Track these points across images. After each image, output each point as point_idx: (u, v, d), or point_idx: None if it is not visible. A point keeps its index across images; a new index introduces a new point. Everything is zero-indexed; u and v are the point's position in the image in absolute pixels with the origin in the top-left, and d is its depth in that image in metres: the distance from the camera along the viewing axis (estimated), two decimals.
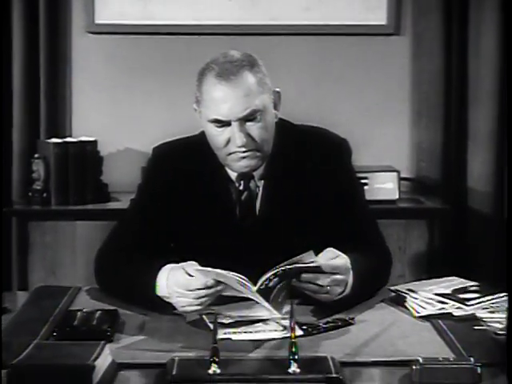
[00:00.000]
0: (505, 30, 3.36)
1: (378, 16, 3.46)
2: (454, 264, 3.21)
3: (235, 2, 3.44)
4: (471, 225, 3.42)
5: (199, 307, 1.72)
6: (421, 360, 1.41)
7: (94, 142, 3.32)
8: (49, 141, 3.28)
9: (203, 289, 1.69)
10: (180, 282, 1.73)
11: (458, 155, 3.46)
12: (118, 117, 3.52)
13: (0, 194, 3.29)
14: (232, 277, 1.65)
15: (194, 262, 1.76)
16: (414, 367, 1.41)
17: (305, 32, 3.48)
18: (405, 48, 3.51)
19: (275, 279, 1.68)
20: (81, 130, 3.45)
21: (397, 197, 3.21)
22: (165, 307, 1.79)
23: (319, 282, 1.73)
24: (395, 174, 3.23)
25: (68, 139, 3.33)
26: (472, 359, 1.43)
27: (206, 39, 3.41)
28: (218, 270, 1.68)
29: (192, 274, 1.72)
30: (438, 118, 3.46)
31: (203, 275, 1.70)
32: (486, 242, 3.37)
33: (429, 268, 3.17)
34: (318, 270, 1.72)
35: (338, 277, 1.76)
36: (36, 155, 3.25)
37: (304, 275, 1.72)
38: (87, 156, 3.28)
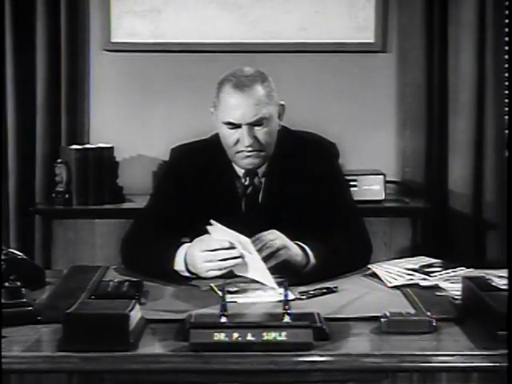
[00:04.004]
0: (480, 48, 3.61)
1: (367, 35, 3.69)
2: (435, 258, 3.50)
3: (239, 23, 3.66)
4: (451, 223, 3.67)
5: (220, 272, 2.02)
6: (388, 314, 1.75)
7: (111, 149, 3.53)
8: (70, 147, 3.49)
9: (222, 249, 2.01)
10: (202, 244, 2.04)
11: (440, 161, 3.69)
12: (131, 126, 3.73)
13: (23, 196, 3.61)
14: (246, 238, 1.99)
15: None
16: (382, 320, 1.74)
17: (301, 49, 3.70)
18: (391, 64, 3.74)
19: None
20: (98, 138, 3.67)
21: (383, 197, 3.48)
22: (182, 280, 2.11)
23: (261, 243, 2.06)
24: (381, 176, 3.49)
25: (87, 146, 3.55)
26: (429, 313, 1.77)
27: (212, 56, 3.63)
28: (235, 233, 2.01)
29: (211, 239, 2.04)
30: (421, 128, 3.68)
31: (221, 232, 2.02)
32: (464, 239, 3.64)
33: None
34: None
35: (267, 236, 2.08)
36: (59, 160, 3.48)
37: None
38: (104, 161, 3.51)
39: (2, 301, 1.81)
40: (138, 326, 1.72)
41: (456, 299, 1.96)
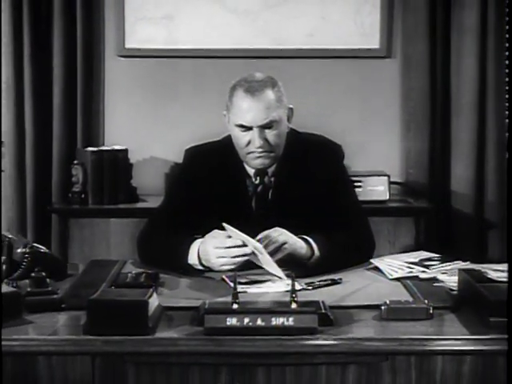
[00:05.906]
0: (482, 52, 3.70)
1: (372, 41, 3.79)
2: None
3: (248, 30, 3.76)
4: (453, 223, 3.76)
5: (234, 266, 2.14)
6: (387, 301, 1.87)
7: (125, 151, 3.63)
8: (86, 149, 3.59)
9: (235, 247, 2.13)
10: (215, 241, 2.16)
11: (443, 162, 3.78)
12: (144, 129, 3.82)
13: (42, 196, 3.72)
14: (258, 244, 2.12)
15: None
16: (382, 307, 1.86)
17: (308, 55, 3.79)
18: (395, 68, 3.82)
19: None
20: (112, 141, 3.77)
21: (387, 198, 3.57)
22: (195, 272, 2.23)
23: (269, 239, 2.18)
24: (386, 177, 3.58)
25: (102, 148, 3.64)
26: (426, 301, 1.89)
27: (223, 61, 3.73)
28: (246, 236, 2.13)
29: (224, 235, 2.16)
30: (424, 129, 3.76)
31: (233, 235, 2.15)
32: (466, 238, 3.73)
33: None
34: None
35: (271, 234, 2.20)
36: (75, 162, 3.58)
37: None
38: (119, 163, 3.60)
39: (29, 289, 1.94)
40: (156, 312, 1.85)
41: (453, 290, 2.06)
